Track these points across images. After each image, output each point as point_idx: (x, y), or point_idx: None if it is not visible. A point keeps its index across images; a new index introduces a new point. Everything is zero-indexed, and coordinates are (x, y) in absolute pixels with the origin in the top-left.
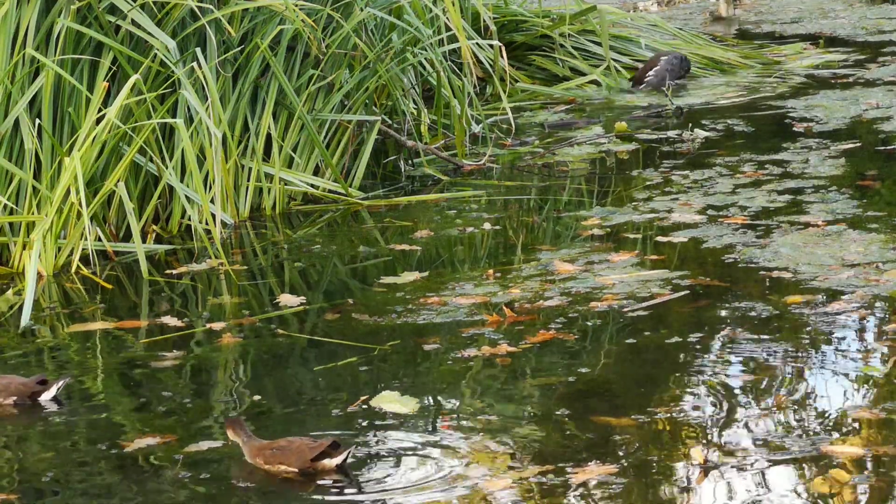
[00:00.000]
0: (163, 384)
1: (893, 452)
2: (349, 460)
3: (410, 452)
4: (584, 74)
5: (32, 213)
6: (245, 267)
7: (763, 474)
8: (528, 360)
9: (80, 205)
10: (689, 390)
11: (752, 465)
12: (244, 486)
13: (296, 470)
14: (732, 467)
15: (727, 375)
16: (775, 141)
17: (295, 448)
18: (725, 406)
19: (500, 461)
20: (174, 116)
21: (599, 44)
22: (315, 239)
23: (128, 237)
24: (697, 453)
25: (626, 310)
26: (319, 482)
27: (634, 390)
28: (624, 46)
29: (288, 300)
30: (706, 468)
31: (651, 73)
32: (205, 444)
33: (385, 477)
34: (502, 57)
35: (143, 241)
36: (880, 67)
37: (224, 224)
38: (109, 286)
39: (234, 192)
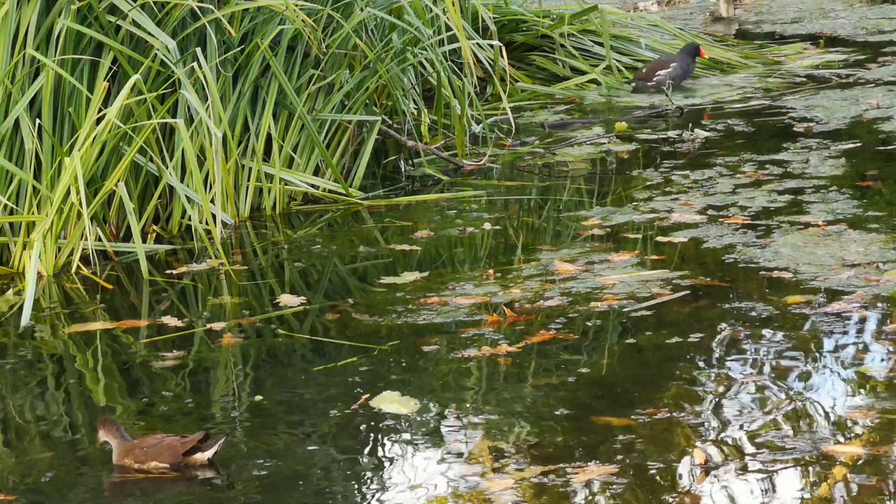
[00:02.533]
0: (163, 384)
1: (893, 452)
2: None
3: (410, 452)
4: (584, 74)
5: (32, 213)
6: (245, 267)
7: (764, 474)
8: (528, 360)
9: (81, 205)
10: (689, 390)
11: (752, 465)
12: (244, 484)
13: (167, 465)
14: (733, 467)
15: (727, 375)
16: (775, 141)
17: (166, 444)
18: (726, 406)
19: (500, 461)
20: (174, 116)
21: (600, 44)
22: (315, 239)
23: (128, 237)
24: (698, 453)
25: (626, 310)
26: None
27: (634, 390)
28: (624, 46)
29: (288, 300)
30: (707, 468)
31: (661, 72)
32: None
33: (385, 477)
34: (502, 57)
35: (144, 241)
36: (880, 67)
37: (224, 224)
38: (110, 286)
39: (234, 192)
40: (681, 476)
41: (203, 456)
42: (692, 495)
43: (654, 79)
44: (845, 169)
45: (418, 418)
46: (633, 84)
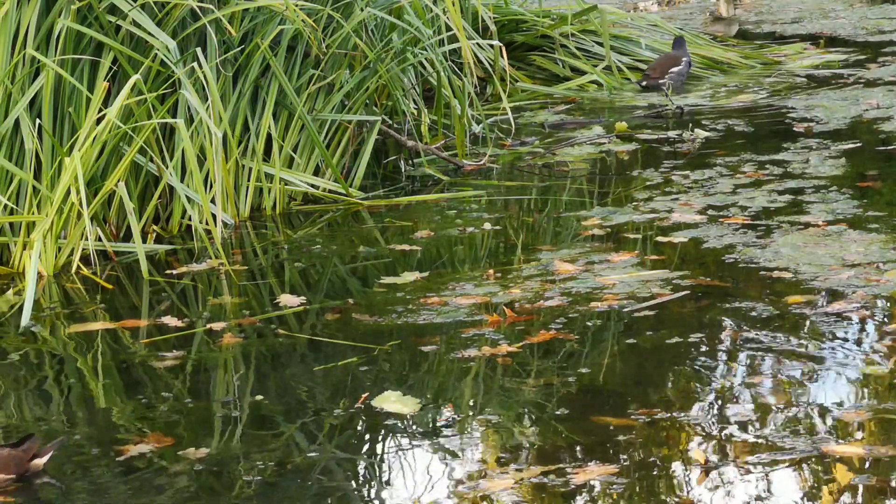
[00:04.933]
0: (163, 384)
1: (893, 452)
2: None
3: (411, 452)
4: (584, 74)
5: (33, 213)
6: (245, 267)
7: (763, 474)
8: (528, 360)
9: (81, 205)
10: (689, 390)
11: (752, 465)
12: (243, 485)
13: (14, 476)
14: (733, 467)
15: (727, 375)
16: (776, 141)
17: (7, 456)
18: (726, 406)
19: (500, 461)
20: (174, 116)
21: (600, 44)
22: (315, 239)
23: (128, 237)
24: (698, 453)
25: (626, 310)
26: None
27: (634, 390)
28: (624, 46)
29: (288, 300)
30: (707, 468)
31: (673, 70)
32: (206, 445)
33: (385, 477)
34: (502, 57)
35: (144, 241)
36: (880, 67)
37: (224, 224)
38: (110, 286)
39: (235, 192)
40: (680, 476)
41: (40, 462)
42: (691, 495)
43: (667, 76)
44: (845, 169)
45: (419, 418)
46: (643, 83)
